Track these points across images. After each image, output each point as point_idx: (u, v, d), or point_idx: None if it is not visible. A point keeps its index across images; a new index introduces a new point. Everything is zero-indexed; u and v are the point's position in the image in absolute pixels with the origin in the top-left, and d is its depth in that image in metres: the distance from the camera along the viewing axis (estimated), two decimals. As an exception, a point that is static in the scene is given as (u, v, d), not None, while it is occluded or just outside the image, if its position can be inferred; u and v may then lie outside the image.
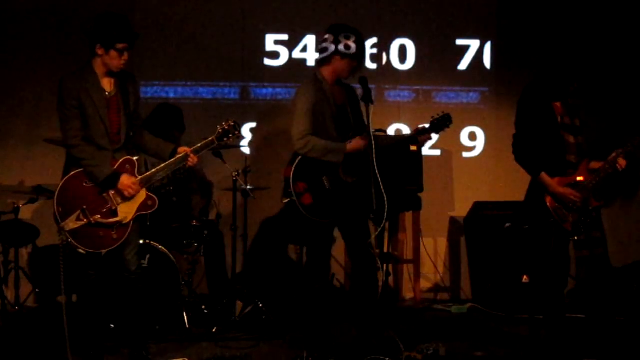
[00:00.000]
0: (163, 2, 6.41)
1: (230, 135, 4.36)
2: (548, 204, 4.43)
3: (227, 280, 5.70)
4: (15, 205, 5.62)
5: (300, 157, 4.53)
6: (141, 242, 5.13)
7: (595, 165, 4.51)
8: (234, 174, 5.41)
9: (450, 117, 4.57)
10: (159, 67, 6.39)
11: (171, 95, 6.42)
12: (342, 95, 4.63)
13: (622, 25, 6.58)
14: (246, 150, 6.28)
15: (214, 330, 5.14)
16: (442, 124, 4.56)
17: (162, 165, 4.30)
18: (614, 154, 4.46)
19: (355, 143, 4.52)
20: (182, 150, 4.33)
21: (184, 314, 5.21)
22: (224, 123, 4.37)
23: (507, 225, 6.07)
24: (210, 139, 4.35)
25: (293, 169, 4.54)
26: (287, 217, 6.16)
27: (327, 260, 4.70)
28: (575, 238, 4.47)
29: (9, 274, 5.66)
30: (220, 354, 4.69)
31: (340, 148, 4.50)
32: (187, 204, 5.53)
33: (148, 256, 5.17)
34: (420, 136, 4.61)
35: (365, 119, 4.48)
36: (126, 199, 4.21)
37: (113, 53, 4.15)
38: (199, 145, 4.34)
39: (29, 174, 6.08)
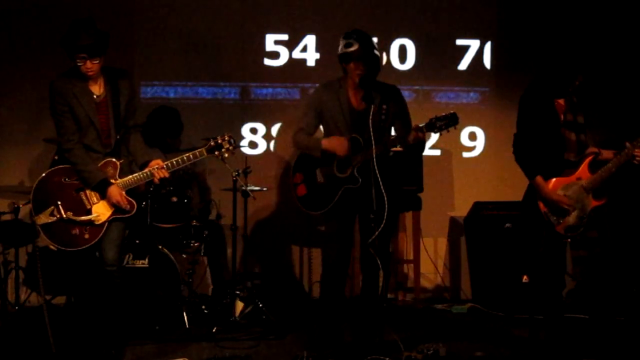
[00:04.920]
0: (163, 3, 6.41)
1: (223, 149, 4.32)
2: (541, 207, 4.42)
3: (228, 279, 5.69)
4: (15, 205, 5.61)
5: None
6: (141, 242, 5.16)
7: (606, 155, 4.48)
8: (234, 174, 5.42)
9: (456, 117, 4.33)
10: (159, 67, 6.39)
11: (171, 95, 6.42)
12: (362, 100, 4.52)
13: (623, 25, 6.57)
14: (246, 150, 6.28)
15: (214, 330, 5.14)
16: (442, 123, 4.33)
17: (135, 175, 4.31)
18: (624, 151, 4.42)
19: (328, 141, 4.54)
20: (155, 163, 4.30)
21: (184, 314, 5.21)
22: (218, 137, 4.34)
23: (507, 225, 6.08)
24: (199, 150, 4.33)
25: (295, 160, 4.69)
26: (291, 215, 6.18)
27: (345, 265, 4.67)
28: (569, 240, 4.46)
29: (8, 274, 5.66)
30: (220, 354, 4.69)
31: (315, 145, 4.57)
32: (187, 204, 5.52)
33: (148, 256, 5.18)
34: (410, 134, 4.36)
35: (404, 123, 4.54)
36: (102, 199, 4.24)
37: (76, 61, 4.17)
38: (174, 160, 4.31)
39: (29, 174, 6.09)
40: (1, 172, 6.16)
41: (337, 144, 4.51)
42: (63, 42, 4.17)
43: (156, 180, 4.29)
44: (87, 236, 4.24)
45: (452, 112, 4.40)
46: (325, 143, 4.55)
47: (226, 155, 4.35)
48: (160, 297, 5.20)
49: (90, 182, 4.22)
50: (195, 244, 5.58)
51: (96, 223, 4.25)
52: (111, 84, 4.30)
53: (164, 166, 4.29)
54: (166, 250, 5.25)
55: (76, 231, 4.23)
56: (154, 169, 4.28)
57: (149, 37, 6.34)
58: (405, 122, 4.63)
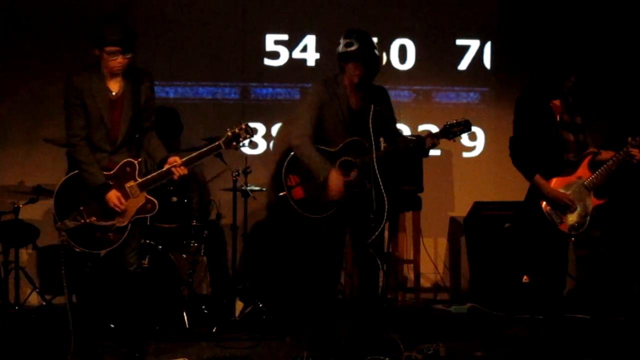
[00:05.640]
0: (163, 2, 6.41)
1: (241, 139, 4.23)
2: (543, 207, 4.42)
3: (228, 279, 5.69)
4: (15, 205, 5.62)
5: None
6: (141, 242, 5.15)
7: (605, 155, 4.49)
8: (234, 174, 5.42)
9: (470, 124, 4.47)
10: (159, 67, 6.35)
11: (171, 95, 6.41)
12: (360, 101, 4.53)
13: (623, 24, 6.57)
14: (246, 150, 6.27)
15: (214, 330, 5.14)
16: (457, 130, 4.46)
17: (155, 174, 4.25)
18: (624, 149, 4.42)
19: (331, 180, 4.38)
20: (172, 160, 4.24)
21: (184, 314, 5.21)
22: (235, 127, 4.24)
23: (507, 225, 6.08)
24: (217, 143, 4.24)
25: (287, 161, 4.54)
26: (282, 214, 6.16)
27: (338, 263, 4.66)
28: (572, 240, 4.46)
29: (8, 274, 5.65)
30: (220, 354, 4.69)
31: (320, 172, 4.40)
32: (187, 204, 5.52)
33: (148, 256, 5.18)
34: (428, 139, 4.50)
35: (391, 124, 4.53)
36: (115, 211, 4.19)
37: (105, 55, 4.12)
38: (192, 155, 4.25)
39: (29, 174, 6.08)
40: (1, 172, 6.15)
41: (337, 190, 4.38)
42: (96, 34, 4.10)
43: (176, 177, 4.22)
44: (112, 237, 4.21)
45: (465, 119, 4.48)
46: (329, 178, 4.37)
47: (246, 143, 4.27)
48: (160, 297, 5.19)
49: (90, 183, 4.17)
50: (195, 244, 5.58)
51: (119, 225, 4.23)
52: (132, 83, 4.24)
53: (183, 163, 4.22)
54: (166, 250, 5.24)
55: (101, 234, 4.20)
56: (172, 166, 4.21)
57: (149, 37, 6.33)
58: (394, 124, 4.67)
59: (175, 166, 4.21)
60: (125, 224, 4.23)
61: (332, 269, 4.62)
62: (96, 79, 4.19)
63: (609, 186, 4.53)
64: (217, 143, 4.24)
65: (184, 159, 4.24)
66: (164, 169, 4.23)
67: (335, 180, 4.40)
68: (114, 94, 4.23)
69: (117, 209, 4.18)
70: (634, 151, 4.40)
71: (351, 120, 4.50)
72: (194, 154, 4.26)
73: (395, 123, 4.69)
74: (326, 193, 4.41)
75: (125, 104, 4.24)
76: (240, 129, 4.23)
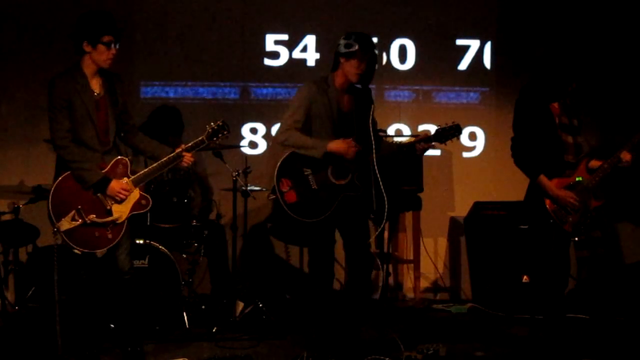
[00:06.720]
0: (163, 2, 6.41)
1: (220, 135, 4.37)
2: (547, 206, 4.43)
3: (228, 279, 5.70)
4: (15, 205, 5.62)
5: (287, 154, 4.53)
6: (141, 242, 5.16)
7: (595, 164, 4.52)
8: (234, 174, 5.42)
9: (460, 128, 4.50)
10: (159, 67, 6.38)
11: (171, 95, 6.41)
12: (350, 102, 4.56)
13: (623, 25, 6.57)
14: (246, 150, 6.28)
15: (214, 330, 5.14)
16: (449, 134, 4.50)
17: (155, 164, 4.32)
18: (617, 152, 4.45)
19: (336, 144, 4.43)
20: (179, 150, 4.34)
21: (184, 314, 5.21)
22: (212, 123, 4.39)
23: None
24: (200, 138, 4.36)
25: (278, 165, 4.55)
26: (275, 216, 6.17)
27: (330, 262, 4.69)
28: (576, 239, 4.47)
29: (9, 274, 5.65)
30: (220, 354, 4.69)
31: (319, 145, 4.44)
32: (187, 204, 5.52)
33: (148, 256, 5.18)
34: (419, 144, 4.53)
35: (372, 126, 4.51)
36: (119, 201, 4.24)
37: (100, 47, 4.16)
38: (190, 144, 4.35)
39: (29, 174, 6.08)
40: (1, 172, 6.15)
41: (345, 148, 4.42)
42: (87, 26, 4.15)
43: (184, 161, 4.32)
44: (110, 235, 4.23)
45: (456, 123, 4.51)
46: (333, 146, 4.43)
47: (220, 140, 4.41)
48: (160, 297, 5.20)
49: (89, 180, 4.19)
50: (195, 244, 5.58)
51: (118, 222, 4.25)
52: (109, 84, 4.31)
53: (186, 149, 4.32)
54: (166, 250, 5.25)
55: (99, 232, 4.21)
56: (178, 152, 4.30)
57: (149, 37, 6.33)
58: (377, 126, 4.71)
59: (183, 151, 4.31)
60: (123, 219, 4.26)
61: (328, 267, 4.63)
62: (80, 80, 4.23)
63: (606, 188, 4.54)
64: (200, 138, 4.36)
65: (185, 146, 4.34)
66: (172, 154, 4.30)
67: (340, 144, 4.43)
68: (96, 93, 4.28)
69: (122, 196, 4.22)
70: (624, 154, 4.41)
71: (340, 122, 4.51)
72: (191, 142, 4.34)
73: (377, 125, 4.73)
74: (342, 160, 4.44)
75: (108, 104, 4.30)
76: (218, 126, 4.37)
